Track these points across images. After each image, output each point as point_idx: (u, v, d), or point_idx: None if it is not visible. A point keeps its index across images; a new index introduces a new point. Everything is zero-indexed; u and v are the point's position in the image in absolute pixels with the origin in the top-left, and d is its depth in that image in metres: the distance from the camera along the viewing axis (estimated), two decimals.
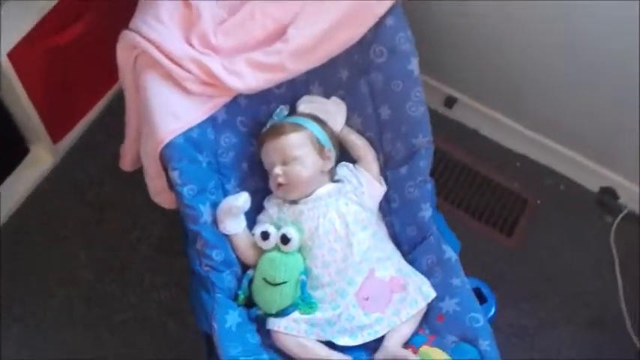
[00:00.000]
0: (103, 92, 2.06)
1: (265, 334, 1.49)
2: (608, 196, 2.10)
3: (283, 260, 1.50)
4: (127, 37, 1.50)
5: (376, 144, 1.65)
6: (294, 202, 1.57)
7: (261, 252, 1.53)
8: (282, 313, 1.48)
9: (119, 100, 1.81)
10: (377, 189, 1.61)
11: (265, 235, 1.51)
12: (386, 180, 1.63)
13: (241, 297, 1.51)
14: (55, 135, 1.95)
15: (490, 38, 1.89)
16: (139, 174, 1.63)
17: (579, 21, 1.70)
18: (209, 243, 1.47)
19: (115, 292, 1.87)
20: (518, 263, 2.00)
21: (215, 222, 1.50)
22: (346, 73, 1.64)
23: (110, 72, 1.60)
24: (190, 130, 1.48)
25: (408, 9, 1.59)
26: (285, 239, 1.50)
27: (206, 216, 1.48)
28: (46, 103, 1.83)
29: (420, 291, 1.50)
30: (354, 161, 1.64)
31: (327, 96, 1.66)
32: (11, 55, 1.61)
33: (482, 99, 2.10)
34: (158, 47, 1.47)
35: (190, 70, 1.48)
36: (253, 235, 1.54)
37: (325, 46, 1.55)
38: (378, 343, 1.47)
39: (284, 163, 1.55)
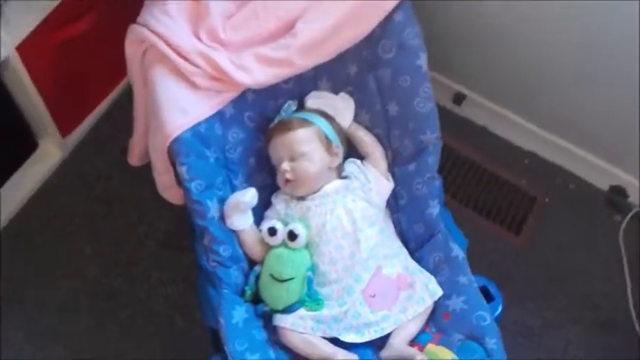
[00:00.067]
0: (112, 86, 2.07)
1: (272, 331, 1.49)
2: (617, 194, 2.08)
3: (290, 256, 1.50)
4: (135, 31, 1.50)
5: (384, 140, 1.64)
6: (302, 198, 1.57)
7: (268, 248, 1.53)
8: (288, 309, 1.48)
9: (127, 94, 1.81)
10: (384, 185, 1.61)
11: (272, 231, 1.51)
12: (394, 176, 1.63)
13: (248, 293, 1.50)
14: (64, 129, 1.96)
15: (499, 35, 1.88)
16: (146, 169, 1.64)
17: (590, 20, 1.69)
18: (216, 239, 1.47)
19: (121, 287, 1.87)
20: (526, 262, 1.99)
21: (222, 218, 1.50)
22: (354, 69, 1.63)
23: (119, 66, 1.60)
24: (198, 125, 1.48)
25: (417, 4, 1.59)
26: (292, 235, 1.50)
27: (213, 211, 1.48)
28: (55, 97, 1.83)
29: (427, 289, 1.50)
30: (362, 157, 1.64)
31: (335, 92, 1.66)
32: (20, 50, 1.61)
33: (492, 96, 2.09)
34: (166, 41, 1.47)
35: (198, 64, 1.48)
36: (260, 231, 1.54)
37: (334, 41, 1.54)
38: (384, 340, 1.47)
39: (292, 158, 1.55)
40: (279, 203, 1.59)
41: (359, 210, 1.53)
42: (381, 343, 1.47)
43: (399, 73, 1.58)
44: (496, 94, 2.08)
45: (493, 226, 2.04)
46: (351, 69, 1.64)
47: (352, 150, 1.66)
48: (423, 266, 1.55)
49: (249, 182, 1.61)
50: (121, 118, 1.93)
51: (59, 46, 1.73)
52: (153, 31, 1.48)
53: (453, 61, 2.03)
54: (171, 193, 1.61)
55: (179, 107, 1.47)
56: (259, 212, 1.59)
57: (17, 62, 1.63)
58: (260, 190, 1.53)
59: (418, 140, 1.59)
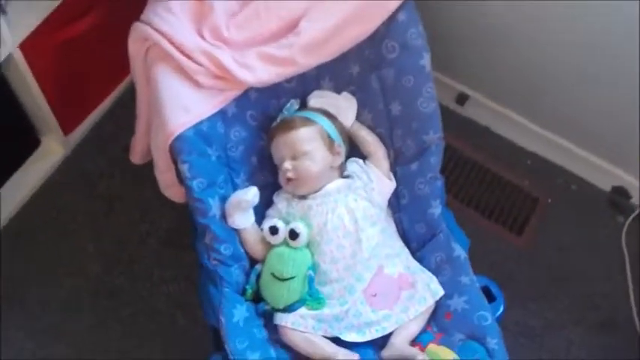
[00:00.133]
0: (114, 84, 2.07)
1: (272, 329, 1.49)
2: (619, 195, 2.08)
3: (291, 255, 1.50)
4: (138, 29, 1.50)
5: (387, 140, 1.64)
6: (304, 197, 1.57)
7: (269, 247, 1.53)
8: (289, 308, 1.48)
9: (130, 92, 1.81)
10: (387, 185, 1.60)
11: (274, 230, 1.51)
12: (396, 176, 1.62)
13: (249, 292, 1.50)
14: (66, 127, 1.96)
15: (503, 35, 1.88)
16: (148, 167, 1.64)
17: (592, 20, 1.68)
18: (218, 237, 1.47)
19: (123, 285, 1.87)
20: (528, 263, 1.98)
21: (224, 216, 1.50)
22: (357, 69, 1.63)
23: (121, 64, 1.60)
24: (200, 123, 1.48)
25: (420, 4, 1.58)
26: (293, 234, 1.50)
27: (215, 210, 1.48)
28: (58, 94, 1.83)
29: (429, 288, 1.50)
30: (364, 157, 1.64)
31: (338, 91, 1.65)
32: (23, 47, 1.61)
33: (495, 96, 2.09)
34: (169, 39, 1.47)
35: (201, 62, 1.48)
36: (262, 229, 1.54)
37: (337, 41, 1.54)
38: (385, 340, 1.47)
39: (294, 157, 1.55)
40: (280, 202, 1.59)
41: (361, 209, 1.53)
42: (382, 342, 1.47)
43: (402, 73, 1.58)
44: (499, 94, 2.08)
45: (495, 226, 2.03)
46: (354, 68, 1.63)
47: (354, 149, 1.66)
48: (424, 266, 1.55)
49: (251, 181, 1.61)
50: (124, 116, 1.93)
51: (62, 44, 1.73)
52: (156, 29, 1.48)
53: (456, 61, 2.02)
54: (173, 192, 1.61)
55: (182, 105, 1.47)
56: (261, 211, 1.59)
57: (20, 60, 1.63)
58: (262, 189, 1.53)
59: (421, 140, 1.59)
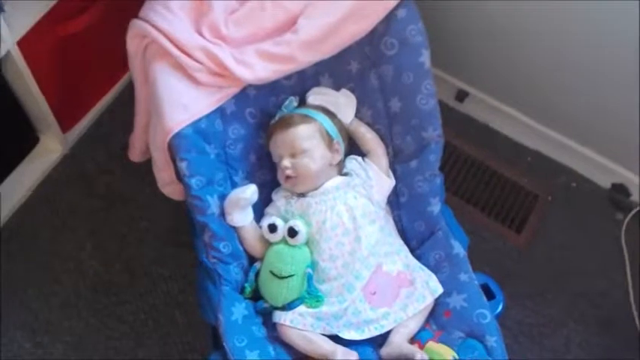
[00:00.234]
0: (113, 82, 2.07)
1: (271, 327, 1.49)
2: (619, 193, 2.08)
3: (290, 253, 1.50)
4: (136, 26, 1.50)
5: (386, 137, 1.64)
6: (302, 195, 1.56)
7: (268, 245, 1.53)
8: (288, 306, 1.48)
9: (129, 90, 1.81)
10: (386, 183, 1.60)
11: (273, 228, 1.51)
12: (395, 173, 1.62)
13: (248, 289, 1.50)
14: (65, 124, 1.96)
15: (502, 32, 1.87)
16: (147, 165, 1.64)
17: (593, 17, 1.68)
18: (216, 235, 1.47)
19: (121, 283, 1.87)
20: (527, 260, 1.98)
21: (223, 214, 1.50)
22: (356, 66, 1.63)
23: (120, 62, 1.60)
24: (199, 120, 1.48)
25: (420, 1, 1.58)
26: (292, 232, 1.50)
27: (213, 207, 1.48)
28: (56, 92, 1.83)
29: (428, 286, 1.49)
30: (363, 154, 1.64)
31: (337, 88, 1.65)
32: (21, 45, 1.61)
33: (494, 93, 2.09)
34: (168, 36, 1.47)
35: (200, 60, 1.48)
36: (261, 227, 1.54)
37: (335, 38, 1.54)
38: (384, 337, 1.47)
39: (292, 155, 1.54)
40: (279, 200, 1.59)
41: (360, 207, 1.53)
42: (381, 340, 1.47)
43: (401, 70, 1.58)
44: (499, 91, 2.08)
45: (494, 224, 2.03)
46: (353, 65, 1.63)
47: (353, 147, 1.65)
48: (423, 264, 1.55)
49: (250, 179, 1.61)
50: (122, 114, 1.93)
51: (60, 41, 1.73)
52: (154, 26, 1.47)
53: (455, 58, 2.02)
54: (171, 189, 1.61)
55: (180, 103, 1.46)
56: (260, 209, 1.58)
57: (18, 58, 1.63)
58: (260, 187, 1.53)
59: (420, 137, 1.58)
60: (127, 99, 1.84)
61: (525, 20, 1.81)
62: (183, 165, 1.46)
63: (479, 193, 2.07)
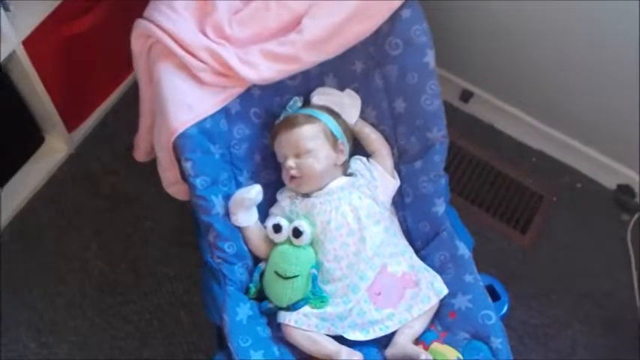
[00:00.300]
0: (118, 82, 2.07)
1: (276, 328, 1.49)
2: (625, 194, 2.07)
3: (295, 253, 1.50)
4: (140, 26, 1.50)
5: (390, 137, 1.63)
6: (307, 195, 1.56)
7: (273, 245, 1.53)
8: (292, 306, 1.48)
9: (133, 89, 1.81)
10: (390, 183, 1.60)
11: (277, 228, 1.51)
12: (400, 174, 1.62)
13: (252, 290, 1.50)
14: (70, 124, 1.96)
15: (507, 32, 1.87)
16: (152, 165, 1.64)
17: (598, 17, 1.67)
18: (221, 235, 1.47)
19: (127, 283, 1.87)
20: (532, 261, 1.98)
21: (227, 214, 1.50)
22: (361, 66, 1.63)
23: (125, 62, 1.60)
24: (203, 121, 1.48)
25: (425, 1, 1.57)
26: (297, 232, 1.49)
27: (218, 207, 1.48)
28: (61, 91, 1.83)
29: (433, 287, 1.49)
30: (367, 155, 1.63)
31: (342, 88, 1.65)
32: (26, 45, 1.61)
33: (499, 93, 2.08)
34: (172, 36, 1.47)
35: (204, 60, 1.48)
36: (265, 227, 1.53)
37: (340, 38, 1.54)
38: (388, 338, 1.46)
39: (297, 155, 1.54)
40: (284, 200, 1.58)
41: (364, 207, 1.53)
42: (386, 341, 1.47)
43: (405, 70, 1.57)
44: (504, 91, 2.07)
45: (499, 224, 2.03)
46: (358, 66, 1.63)
47: (358, 147, 1.65)
48: (428, 264, 1.55)
49: (255, 179, 1.61)
50: (127, 114, 1.93)
51: (65, 40, 1.73)
52: (159, 26, 1.47)
53: (460, 58, 2.02)
54: (176, 189, 1.61)
55: (185, 103, 1.46)
56: (264, 209, 1.58)
57: (23, 57, 1.63)
58: (265, 187, 1.53)
59: (425, 138, 1.58)
60: (131, 99, 1.85)
61: (529, 20, 1.80)
62: (187, 165, 1.46)
63: (484, 194, 2.07)
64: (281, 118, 1.60)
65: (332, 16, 1.52)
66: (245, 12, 1.55)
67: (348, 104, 1.63)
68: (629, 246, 2.00)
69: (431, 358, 1.38)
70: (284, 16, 1.55)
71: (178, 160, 1.50)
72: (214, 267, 1.47)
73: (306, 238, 1.50)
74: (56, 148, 1.99)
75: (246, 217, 1.50)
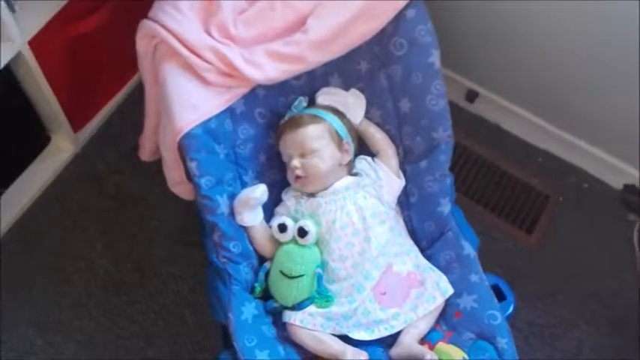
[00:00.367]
0: (124, 82, 2.07)
1: (281, 327, 1.49)
2: (631, 194, 2.06)
3: (300, 253, 1.50)
4: (146, 26, 1.50)
5: (395, 137, 1.63)
6: (312, 195, 1.56)
7: (278, 244, 1.53)
8: (298, 306, 1.48)
9: (139, 89, 1.81)
10: (396, 183, 1.60)
11: (282, 228, 1.51)
12: (405, 174, 1.62)
13: (258, 289, 1.50)
14: (76, 124, 1.97)
15: (513, 32, 1.86)
16: (157, 164, 1.64)
17: (605, 17, 1.67)
18: (226, 235, 1.47)
19: (132, 283, 1.88)
20: (538, 261, 1.97)
21: (232, 214, 1.50)
22: (366, 66, 1.62)
23: (130, 62, 1.61)
24: (208, 121, 1.48)
25: (429, 1, 1.57)
26: (302, 232, 1.49)
27: (223, 207, 1.48)
28: (67, 91, 1.84)
29: (438, 287, 1.49)
30: (373, 155, 1.63)
31: (347, 88, 1.65)
32: (32, 45, 1.62)
33: (505, 93, 2.08)
34: (177, 36, 1.47)
35: (209, 60, 1.48)
36: (270, 227, 1.53)
37: (345, 38, 1.53)
38: (394, 338, 1.46)
39: (302, 155, 1.54)
40: (289, 200, 1.58)
41: (369, 207, 1.53)
42: (391, 340, 1.47)
43: (410, 70, 1.57)
44: (509, 91, 2.07)
45: (505, 224, 2.02)
46: (363, 65, 1.63)
47: (363, 147, 1.65)
48: (433, 264, 1.54)
49: (260, 178, 1.61)
50: (132, 114, 1.94)
51: (71, 41, 1.73)
52: (164, 27, 1.48)
53: (465, 58, 2.01)
54: (181, 189, 1.61)
55: (190, 103, 1.47)
56: (269, 209, 1.58)
57: (29, 57, 1.64)
58: (270, 187, 1.53)
59: (430, 138, 1.58)
60: (136, 99, 1.85)
61: (535, 20, 1.80)
62: (193, 165, 1.46)
63: (489, 194, 2.06)
64: (286, 118, 1.60)
65: (337, 16, 1.52)
66: (250, 12, 1.55)
67: (353, 104, 1.63)
68: (635, 246, 2.00)
69: (436, 358, 1.38)
70: (289, 16, 1.55)
71: (183, 160, 1.51)
72: (219, 266, 1.47)
73: (311, 238, 1.50)
74: (62, 147, 1.99)
75: (252, 217, 1.50)
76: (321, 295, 1.48)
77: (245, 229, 1.51)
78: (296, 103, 1.61)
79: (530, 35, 1.85)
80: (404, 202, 1.63)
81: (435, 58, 1.55)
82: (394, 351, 1.44)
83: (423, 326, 1.47)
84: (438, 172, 1.57)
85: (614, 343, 1.87)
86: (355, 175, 1.59)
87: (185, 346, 1.80)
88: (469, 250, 1.52)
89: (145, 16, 1.52)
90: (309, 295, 1.48)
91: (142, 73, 1.57)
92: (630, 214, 2.06)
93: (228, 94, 1.52)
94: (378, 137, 1.63)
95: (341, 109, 1.61)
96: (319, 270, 1.49)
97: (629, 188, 2.06)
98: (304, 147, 1.54)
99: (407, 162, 1.62)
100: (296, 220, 1.52)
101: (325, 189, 1.55)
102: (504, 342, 1.41)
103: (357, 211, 1.52)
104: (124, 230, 1.94)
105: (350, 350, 1.42)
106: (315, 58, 1.54)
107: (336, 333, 1.46)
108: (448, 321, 1.49)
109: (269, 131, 1.64)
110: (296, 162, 1.54)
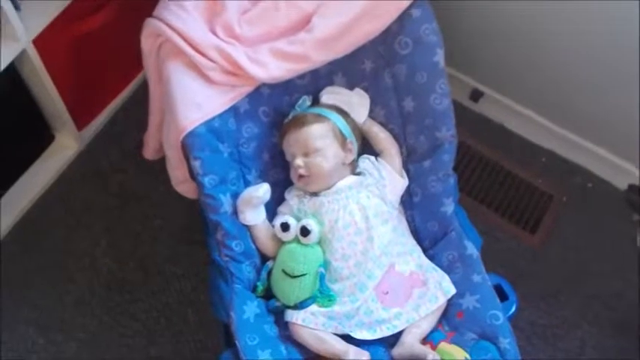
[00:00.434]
0: (128, 80, 2.08)
1: (283, 326, 1.49)
2: (636, 194, 2.05)
3: (303, 252, 1.50)
4: (150, 25, 1.50)
5: (399, 136, 1.63)
6: (315, 194, 1.56)
7: (280, 243, 1.53)
8: (300, 305, 1.48)
9: (143, 88, 1.82)
10: (399, 182, 1.60)
11: (285, 227, 1.51)
12: (408, 173, 1.62)
13: (260, 288, 1.50)
14: (80, 122, 1.97)
15: (517, 31, 1.86)
16: (161, 163, 1.64)
17: (610, 15, 1.66)
18: (229, 234, 1.47)
19: (135, 281, 1.88)
20: (542, 261, 1.97)
21: (235, 212, 1.50)
22: (370, 65, 1.62)
23: (134, 60, 1.61)
24: (212, 119, 1.48)
25: (434, 1, 1.57)
26: (305, 231, 1.49)
27: (226, 206, 1.48)
28: (72, 90, 1.84)
29: (440, 287, 1.49)
30: (376, 154, 1.63)
31: (351, 87, 1.65)
32: (36, 43, 1.62)
33: (509, 93, 2.07)
34: (182, 35, 1.47)
35: (214, 59, 1.48)
36: (273, 226, 1.54)
37: (349, 37, 1.53)
38: (396, 338, 1.46)
39: (305, 154, 1.54)
40: (292, 199, 1.59)
41: (372, 207, 1.53)
42: (393, 340, 1.46)
43: (415, 70, 1.57)
44: (514, 91, 2.06)
45: (508, 224, 2.02)
46: (367, 65, 1.63)
47: (367, 146, 1.65)
48: (436, 264, 1.54)
49: (263, 177, 1.61)
50: (137, 112, 1.94)
51: (76, 39, 1.74)
52: (169, 25, 1.48)
53: (470, 57, 2.01)
54: (185, 187, 1.62)
55: (194, 101, 1.47)
56: (272, 208, 1.58)
57: (34, 56, 1.64)
58: (273, 186, 1.53)
59: (433, 137, 1.58)
60: (141, 97, 1.85)
61: (540, 20, 1.79)
62: (196, 163, 1.46)
63: (493, 194, 2.06)
64: (290, 117, 1.60)
65: (341, 15, 1.52)
66: (253, 12, 1.55)
67: (357, 103, 1.63)
68: (639, 246, 1.99)
69: (438, 358, 1.38)
70: (293, 16, 1.55)
71: (187, 159, 1.51)
72: (222, 265, 1.48)
73: (313, 237, 1.50)
74: (66, 145, 2.00)
75: (254, 216, 1.51)
76: (323, 295, 1.48)
77: (248, 227, 1.52)
78: (300, 102, 1.61)
79: (535, 35, 1.84)
80: (407, 202, 1.63)
81: (440, 57, 1.55)
82: (396, 351, 1.44)
83: (425, 326, 1.47)
84: (441, 171, 1.57)
85: (616, 343, 1.87)
86: (358, 174, 1.59)
87: (187, 345, 1.81)
88: (472, 250, 1.52)
89: (149, 14, 1.52)
90: (311, 294, 1.48)
91: (147, 71, 1.57)
92: (635, 215, 2.05)
93: (232, 92, 1.52)
94: (381, 136, 1.63)
95: (345, 108, 1.61)
96: (322, 269, 1.49)
97: (633, 188, 2.06)
98: (308, 146, 1.54)
99: (410, 161, 1.62)
100: (299, 219, 1.52)
101: (328, 188, 1.55)
102: (507, 342, 1.41)
103: (359, 210, 1.52)
104: (127, 228, 1.94)
105: (352, 350, 1.42)
106: (320, 57, 1.54)
107: (338, 332, 1.46)
108: (450, 321, 1.49)
109: (273, 130, 1.64)
110: (299, 161, 1.54)
